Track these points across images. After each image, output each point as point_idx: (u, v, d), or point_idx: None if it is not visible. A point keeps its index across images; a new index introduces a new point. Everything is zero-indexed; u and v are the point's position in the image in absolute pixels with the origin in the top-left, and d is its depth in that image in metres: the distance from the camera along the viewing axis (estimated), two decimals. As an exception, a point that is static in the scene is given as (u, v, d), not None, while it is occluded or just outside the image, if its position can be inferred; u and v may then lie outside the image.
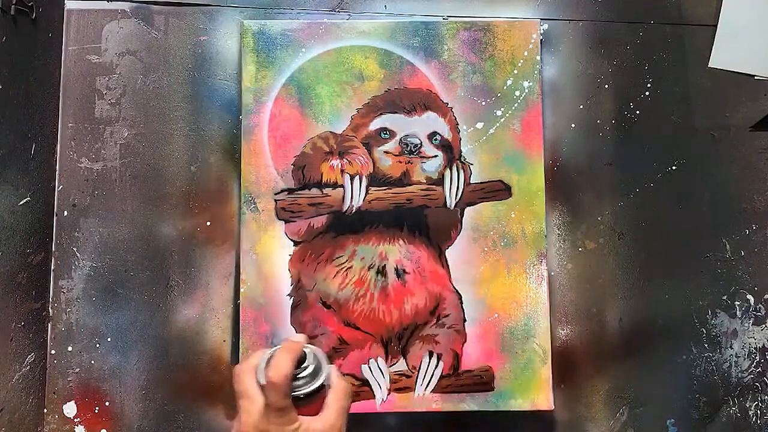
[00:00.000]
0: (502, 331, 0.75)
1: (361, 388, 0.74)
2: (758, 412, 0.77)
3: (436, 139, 0.76)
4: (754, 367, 0.77)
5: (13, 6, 0.68)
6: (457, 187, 0.76)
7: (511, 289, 0.75)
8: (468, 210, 0.76)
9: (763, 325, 0.77)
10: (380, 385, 0.74)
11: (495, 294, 0.75)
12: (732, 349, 0.77)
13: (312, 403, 0.56)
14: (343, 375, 0.73)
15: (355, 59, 0.76)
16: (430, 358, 0.74)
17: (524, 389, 0.74)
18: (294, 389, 0.55)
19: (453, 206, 0.76)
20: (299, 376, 0.56)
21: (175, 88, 0.78)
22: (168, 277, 0.76)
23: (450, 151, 0.76)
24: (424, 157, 0.76)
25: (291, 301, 0.74)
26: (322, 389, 0.57)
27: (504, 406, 0.74)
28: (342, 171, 0.75)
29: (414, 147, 0.76)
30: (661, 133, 0.79)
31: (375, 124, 0.76)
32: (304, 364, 0.56)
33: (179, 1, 0.78)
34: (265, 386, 0.54)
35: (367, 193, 0.75)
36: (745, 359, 0.77)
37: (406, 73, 0.76)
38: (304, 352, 0.56)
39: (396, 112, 0.76)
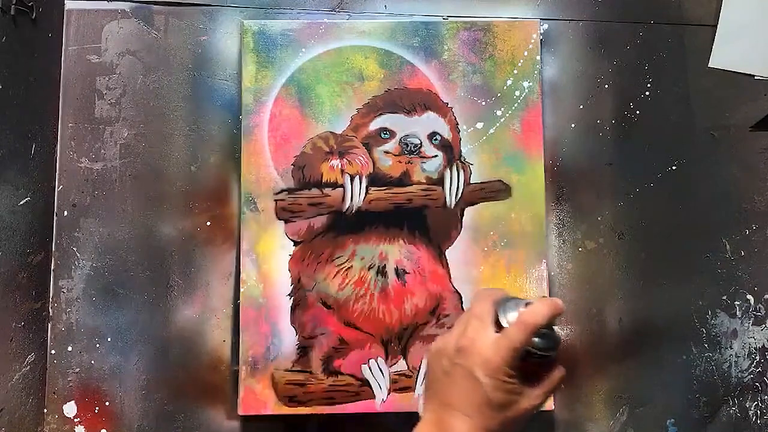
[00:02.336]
0: (502, 331, 0.74)
1: (361, 388, 0.74)
2: (758, 412, 0.77)
3: (436, 139, 0.76)
4: (754, 367, 0.77)
5: (13, 6, 0.68)
6: (457, 187, 0.76)
7: (511, 289, 0.75)
8: (468, 210, 0.76)
9: (763, 325, 0.77)
10: (380, 385, 0.74)
11: (495, 294, 0.75)
12: (732, 349, 0.77)
13: (533, 365, 0.56)
14: (343, 375, 0.74)
15: (355, 59, 0.76)
16: (430, 358, 0.74)
17: (524, 389, 0.74)
18: (532, 345, 0.55)
19: (453, 206, 0.76)
20: (541, 332, 0.56)
21: (175, 88, 0.78)
22: (168, 277, 0.76)
23: (450, 151, 0.76)
24: (424, 157, 0.76)
25: (291, 301, 0.74)
26: (549, 360, 0.57)
27: (504, 406, 0.74)
28: (342, 171, 0.75)
29: (414, 147, 0.76)
30: (661, 133, 0.79)
31: (375, 124, 0.76)
32: (551, 329, 0.56)
33: (179, 1, 0.78)
34: (506, 321, 0.55)
35: (367, 193, 0.75)
36: (745, 359, 0.77)
37: (406, 73, 0.76)
38: (554, 319, 0.57)
39: (396, 112, 0.76)
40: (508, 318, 0.55)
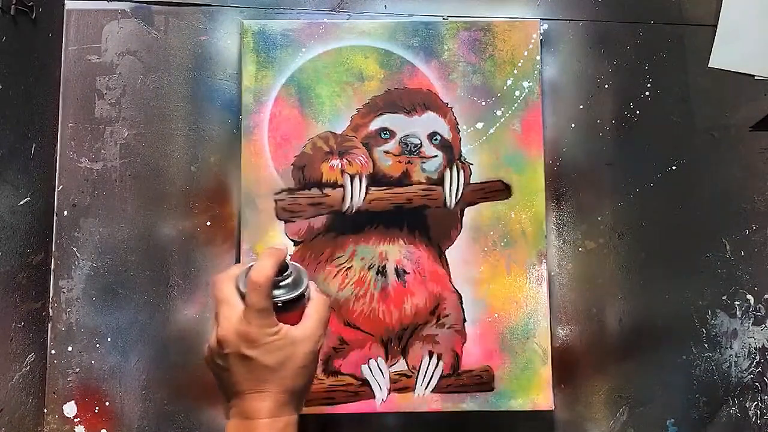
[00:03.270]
0: (502, 331, 0.75)
1: (361, 388, 0.74)
2: (758, 412, 0.77)
3: (436, 139, 0.76)
4: (754, 367, 0.77)
5: (13, 6, 0.68)
6: (457, 187, 0.76)
7: (511, 289, 0.75)
8: (468, 210, 0.76)
9: (763, 325, 0.77)
10: (380, 385, 0.74)
11: (495, 294, 0.75)
12: (732, 349, 0.77)
13: (292, 311, 0.57)
14: (343, 375, 0.74)
15: (355, 59, 0.76)
16: (430, 358, 0.74)
17: (524, 389, 0.74)
18: (275, 297, 0.56)
19: (453, 206, 0.76)
20: (280, 284, 0.57)
21: (175, 88, 0.78)
22: (168, 277, 0.76)
23: (450, 151, 0.76)
24: (424, 157, 0.76)
25: (291, 301, 0.74)
26: (302, 299, 0.58)
27: (504, 406, 0.74)
28: (342, 171, 0.75)
29: (414, 147, 0.76)
30: (661, 133, 0.79)
31: (375, 124, 0.76)
32: (286, 273, 0.57)
33: (179, 1, 0.78)
34: (246, 292, 0.55)
35: (367, 193, 0.75)
36: (745, 359, 0.77)
37: (406, 73, 0.76)
38: (286, 262, 0.57)
39: (396, 112, 0.76)
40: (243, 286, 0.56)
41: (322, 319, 0.58)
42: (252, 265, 0.57)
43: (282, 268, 0.57)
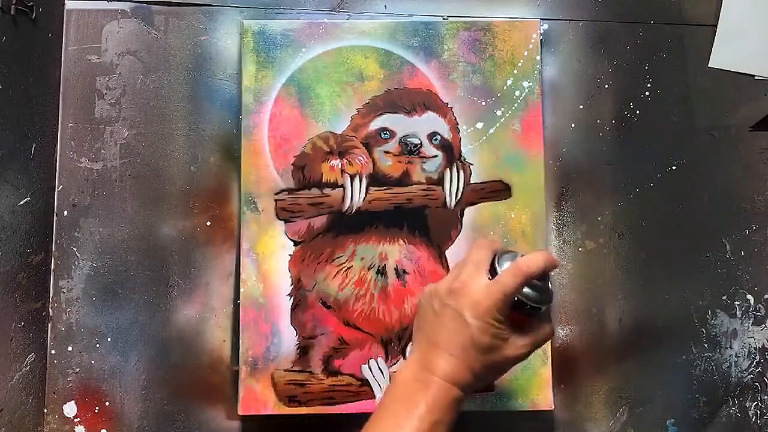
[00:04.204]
0: (502, 331, 0.74)
1: (361, 388, 0.74)
2: (758, 412, 0.77)
3: (436, 139, 0.76)
4: (754, 367, 0.77)
5: (13, 6, 0.68)
6: (457, 187, 0.76)
7: (511, 289, 0.75)
8: (468, 210, 0.76)
9: (763, 325, 0.77)
10: (380, 385, 0.74)
11: (495, 294, 0.75)
12: (732, 349, 0.77)
13: (522, 316, 0.57)
14: (343, 375, 0.74)
15: (355, 59, 0.76)
16: (430, 358, 0.74)
17: (524, 389, 0.74)
18: (521, 293, 0.56)
19: (453, 206, 0.76)
20: (533, 286, 0.57)
21: (175, 88, 0.78)
22: (168, 277, 0.76)
23: (450, 151, 0.76)
24: (424, 157, 0.76)
25: (291, 301, 0.74)
26: (536, 313, 0.58)
27: (504, 406, 0.74)
28: (342, 171, 0.75)
29: (414, 147, 0.76)
30: (661, 133, 0.79)
31: (375, 124, 0.76)
32: (545, 281, 0.57)
33: (179, 1, 0.78)
34: (501, 270, 0.56)
35: (367, 193, 0.75)
36: (744, 359, 0.77)
37: (406, 73, 0.76)
38: (549, 274, 0.58)
39: (396, 112, 0.76)
40: (504, 267, 0.56)
41: (537, 344, 0.58)
42: (514, 251, 0.58)
43: (544, 275, 0.57)
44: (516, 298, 0.56)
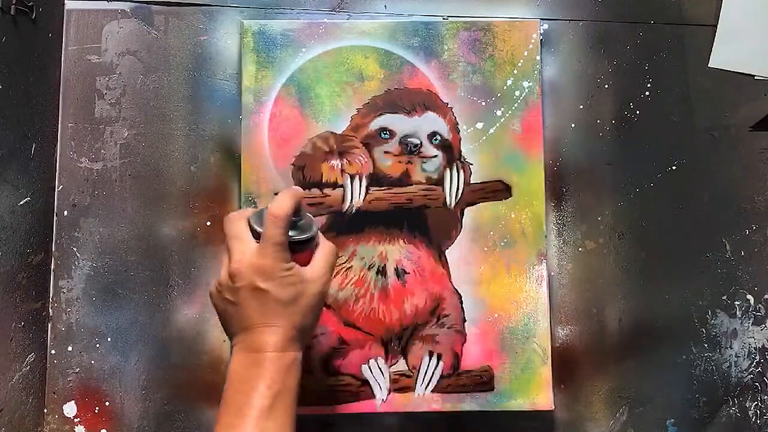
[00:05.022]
0: (502, 331, 0.75)
1: (361, 388, 0.74)
2: (758, 412, 0.77)
3: (436, 139, 0.76)
4: (753, 367, 0.77)
5: (13, 6, 0.68)
6: (457, 187, 0.76)
7: (511, 289, 0.75)
8: (468, 210, 0.76)
9: (763, 325, 0.77)
10: (380, 385, 0.74)
11: (495, 294, 0.75)
12: (732, 349, 0.77)
13: (302, 252, 0.59)
14: (343, 375, 0.74)
15: (355, 59, 0.76)
16: (430, 358, 0.74)
17: (524, 389, 0.74)
18: (289, 237, 0.58)
19: (453, 206, 0.76)
20: (295, 224, 0.59)
21: (175, 88, 0.78)
22: (168, 277, 0.76)
23: (450, 151, 0.76)
24: (424, 157, 0.76)
25: (291, 301, 0.74)
26: (312, 242, 0.60)
27: (504, 406, 0.74)
28: (342, 171, 0.75)
29: (414, 147, 0.76)
30: (661, 133, 0.79)
31: (375, 124, 0.76)
32: (300, 214, 0.59)
33: (179, 1, 0.78)
34: (262, 229, 0.57)
35: (367, 193, 0.75)
36: (744, 359, 0.77)
37: (406, 73, 0.76)
38: (300, 205, 0.59)
39: (396, 112, 0.76)
40: (260, 225, 0.58)
41: (330, 262, 0.60)
42: (266, 207, 0.59)
43: (297, 210, 0.59)
44: (289, 243, 0.58)
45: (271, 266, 0.56)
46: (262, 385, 0.55)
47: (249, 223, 0.59)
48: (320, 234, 0.62)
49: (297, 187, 0.62)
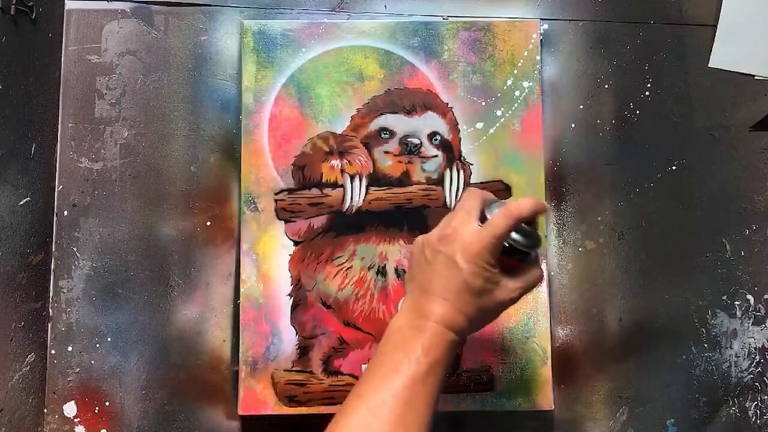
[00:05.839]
0: (502, 331, 0.75)
1: (361, 388, 0.74)
2: (758, 412, 0.77)
3: (436, 139, 0.76)
4: (753, 367, 0.77)
5: (13, 6, 0.68)
6: (457, 187, 0.76)
7: (511, 289, 0.75)
8: (468, 210, 0.76)
9: (763, 325, 0.77)
10: (380, 385, 0.74)
11: (495, 294, 0.75)
12: (732, 349, 0.77)
13: (513, 260, 0.58)
14: (343, 375, 0.74)
15: (355, 59, 0.76)
16: (430, 358, 0.74)
17: (524, 389, 0.74)
18: (511, 239, 0.57)
19: (453, 206, 0.75)
20: (523, 231, 0.58)
21: (175, 88, 0.78)
22: (168, 277, 0.76)
23: (450, 151, 0.76)
24: (424, 157, 0.76)
25: (291, 301, 0.74)
26: (528, 257, 0.59)
27: (504, 406, 0.74)
28: (342, 171, 0.75)
29: (414, 147, 0.76)
30: (661, 133, 0.79)
31: (375, 124, 0.76)
32: (534, 226, 0.59)
33: (179, 1, 0.78)
34: (491, 216, 0.57)
35: (367, 193, 0.75)
36: (744, 359, 0.77)
37: (406, 73, 0.76)
38: (537, 219, 0.59)
39: (396, 112, 0.76)
40: (494, 214, 0.57)
41: (530, 286, 0.59)
42: (506, 201, 0.59)
43: (532, 221, 0.59)
44: (507, 244, 0.57)
45: (477, 251, 0.56)
46: (420, 349, 0.55)
47: (484, 207, 0.59)
48: (539, 258, 0.61)
49: (544, 202, 0.63)
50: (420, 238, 0.60)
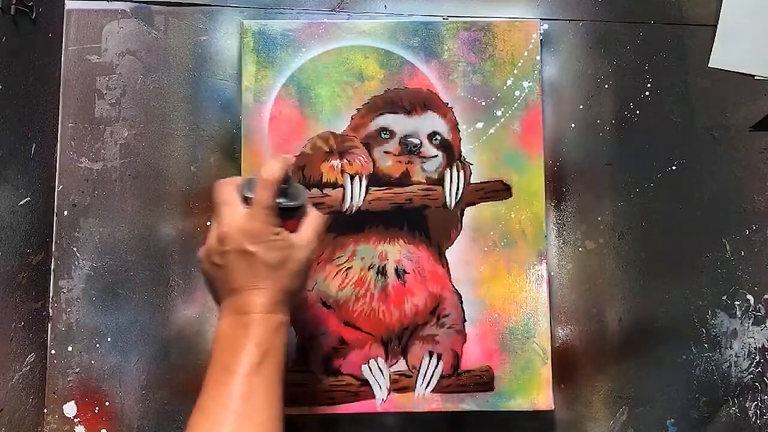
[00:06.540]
0: (502, 331, 0.75)
1: (361, 388, 0.74)
2: (758, 412, 0.77)
3: (436, 139, 0.76)
4: (753, 367, 0.77)
5: (13, 6, 0.68)
6: (457, 187, 0.76)
7: (511, 289, 0.75)
8: (468, 210, 0.76)
9: (763, 325, 0.77)
10: (380, 385, 0.74)
11: (495, 294, 0.75)
12: (732, 349, 0.77)
13: (291, 219, 0.60)
14: (343, 375, 0.74)
15: (355, 59, 0.76)
16: (430, 358, 0.74)
17: (524, 389, 0.74)
18: (278, 203, 0.59)
19: (453, 206, 0.76)
20: (285, 191, 0.60)
21: (175, 88, 0.78)
22: (168, 277, 0.76)
23: (450, 151, 0.76)
24: (424, 157, 0.76)
25: (291, 301, 0.74)
26: (300, 210, 0.61)
27: (504, 406, 0.74)
28: (342, 171, 0.75)
29: (414, 147, 0.76)
30: (661, 133, 0.79)
31: (375, 124, 0.76)
32: (290, 182, 0.61)
33: (179, 1, 0.78)
34: (251, 195, 0.58)
35: (367, 193, 0.75)
36: (744, 359, 0.77)
37: (406, 73, 0.76)
38: (290, 174, 0.61)
39: (396, 112, 0.76)
40: (250, 192, 0.59)
41: (317, 230, 0.61)
42: (255, 176, 0.60)
43: (286, 178, 0.60)
44: (279, 209, 0.59)
45: (259, 229, 0.57)
46: (250, 344, 0.55)
47: (240, 190, 0.60)
48: (309, 203, 0.63)
49: (287, 155, 0.64)
50: (201, 252, 0.60)
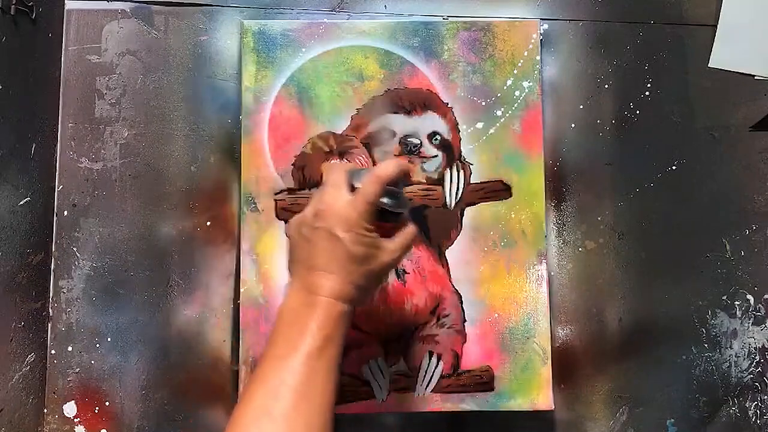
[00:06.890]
0: (502, 331, 0.75)
1: (361, 388, 0.74)
2: (758, 412, 0.77)
3: (436, 139, 0.76)
4: (753, 367, 0.77)
5: (13, 6, 0.68)
6: (457, 187, 0.76)
7: (511, 289, 0.75)
8: (468, 210, 0.76)
9: (763, 325, 0.77)
10: (380, 385, 0.74)
11: (495, 294, 0.75)
12: (732, 349, 0.77)
13: (388, 222, 0.60)
14: (343, 375, 0.74)
15: (355, 59, 0.76)
16: (430, 358, 0.74)
17: (524, 389, 0.74)
18: (382, 203, 0.59)
19: (453, 206, 0.76)
20: (391, 192, 0.60)
21: (175, 88, 0.78)
22: (168, 277, 0.76)
23: (450, 151, 0.76)
24: (424, 157, 0.76)
25: (291, 301, 0.74)
26: (400, 218, 0.61)
27: (504, 406, 0.74)
28: (342, 171, 0.75)
29: (414, 147, 0.76)
30: (661, 133, 0.79)
31: (375, 124, 0.76)
32: (399, 189, 0.61)
33: (179, 1, 0.78)
34: (359, 185, 0.58)
35: (367, 193, 0.75)
36: (744, 359, 0.77)
37: (406, 73, 0.76)
38: (402, 178, 0.61)
39: (396, 112, 0.76)
40: (359, 182, 0.59)
41: (407, 244, 0.61)
42: (367, 168, 0.60)
43: (397, 182, 0.60)
44: (379, 208, 0.59)
45: (355, 220, 0.57)
46: (314, 325, 0.56)
47: (350, 177, 0.60)
48: (409, 218, 0.63)
49: (406, 162, 0.65)
50: (294, 219, 0.61)
